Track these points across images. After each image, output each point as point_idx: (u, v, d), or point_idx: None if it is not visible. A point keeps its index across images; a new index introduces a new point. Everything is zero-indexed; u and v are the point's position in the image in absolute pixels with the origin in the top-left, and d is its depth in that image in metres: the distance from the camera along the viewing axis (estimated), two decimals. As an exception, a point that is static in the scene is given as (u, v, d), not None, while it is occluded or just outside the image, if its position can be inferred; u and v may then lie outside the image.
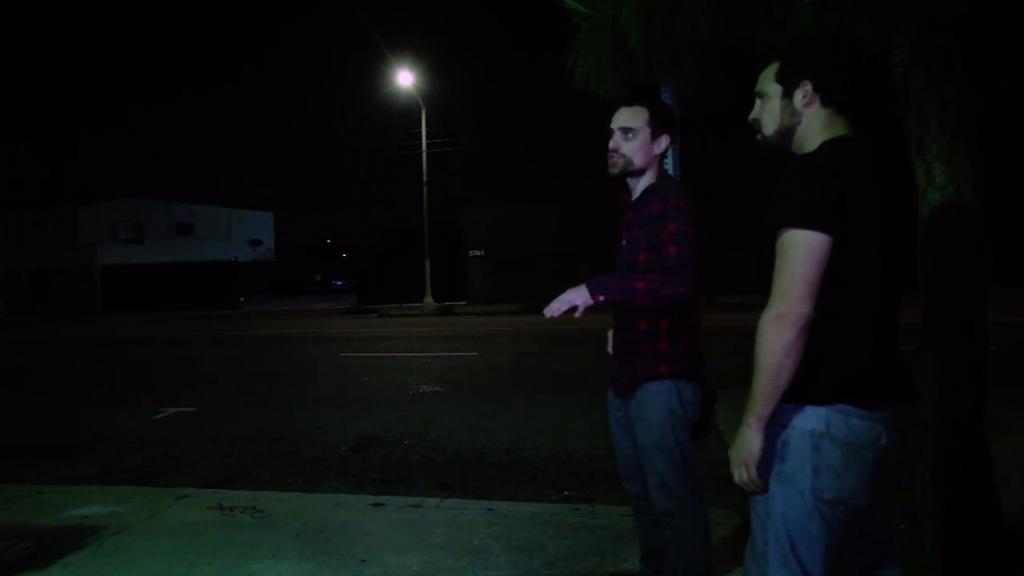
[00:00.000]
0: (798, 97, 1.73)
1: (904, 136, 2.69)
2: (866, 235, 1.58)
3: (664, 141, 2.46)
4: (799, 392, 1.58)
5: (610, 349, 2.58)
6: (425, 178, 27.10)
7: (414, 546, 3.44)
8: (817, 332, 1.56)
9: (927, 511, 2.67)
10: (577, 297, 2.23)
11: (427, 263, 26.12)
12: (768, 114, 1.79)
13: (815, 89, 1.70)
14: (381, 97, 30.64)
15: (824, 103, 1.71)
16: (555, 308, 2.27)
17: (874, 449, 1.57)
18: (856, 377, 1.59)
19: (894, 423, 1.59)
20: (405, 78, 26.22)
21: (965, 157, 2.57)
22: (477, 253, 30.21)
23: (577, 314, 2.24)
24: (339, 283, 52.51)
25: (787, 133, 1.76)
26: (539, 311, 2.45)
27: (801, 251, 1.54)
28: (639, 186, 2.47)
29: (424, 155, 27.11)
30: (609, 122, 2.48)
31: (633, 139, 2.42)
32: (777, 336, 1.55)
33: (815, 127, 1.72)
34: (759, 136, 1.83)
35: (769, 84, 1.78)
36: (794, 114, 1.74)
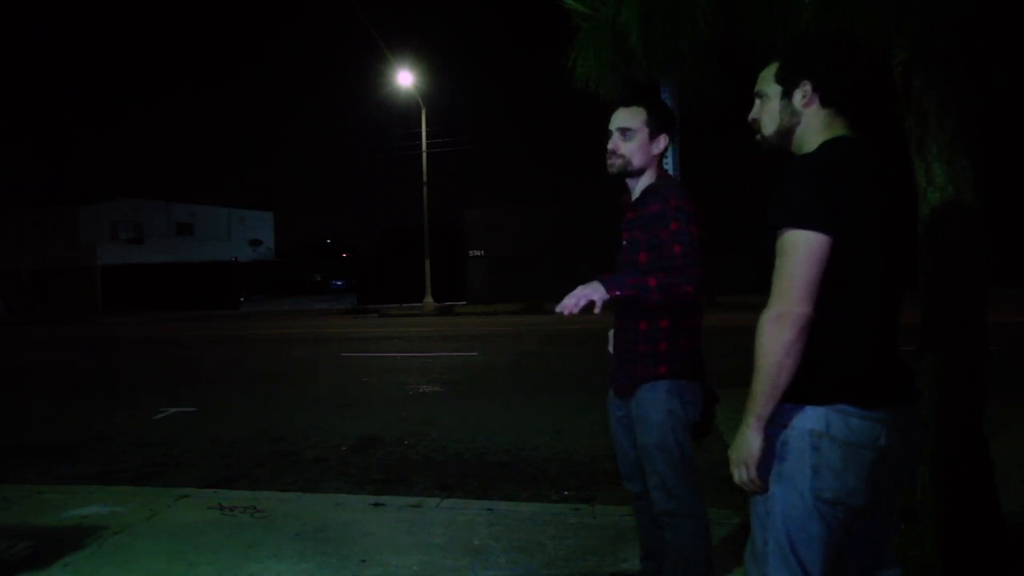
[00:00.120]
0: (797, 97, 1.73)
1: (904, 136, 2.69)
2: (866, 235, 1.58)
3: (662, 141, 2.46)
4: (799, 392, 1.58)
5: (611, 349, 2.58)
6: (425, 178, 27.11)
7: (414, 546, 3.44)
8: (817, 332, 1.56)
9: (927, 511, 2.67)
10: (594, 292, 2.19)
11: (427, 263, 26.12)
12: (767, 114, 1.79)
13: (814, 89, 1.70)
14: (381, 97, 30.70)
15: (824, 103, 1.71)
16: (570, 305, 2.20)
17: (873, 449, 1.57)
18: (856, 377, 1.59)
19: (894, 423, 1.59)
20: (405, 78, 26.23)
21: (965, 157, 2.57)
22: (477, 253, 30.21)
23: (596, 310, 2.19)
24: (339, 283, 52.51)
25: (786, 133, 1.76)
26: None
27: (801, 251, 1.54)
28: (639, 186, 2.47)
29: (424, 155, 27.12)
30: (608, 122, 2.48)
31: (631, 139, 2.42)
32: (777, 336, 1.55)
33: (815, 127, 1.72)
34: (759, 136, 1.83)
35: (768, 84, 1.78)
36: (793, 114, 1.74)
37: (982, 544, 2.57)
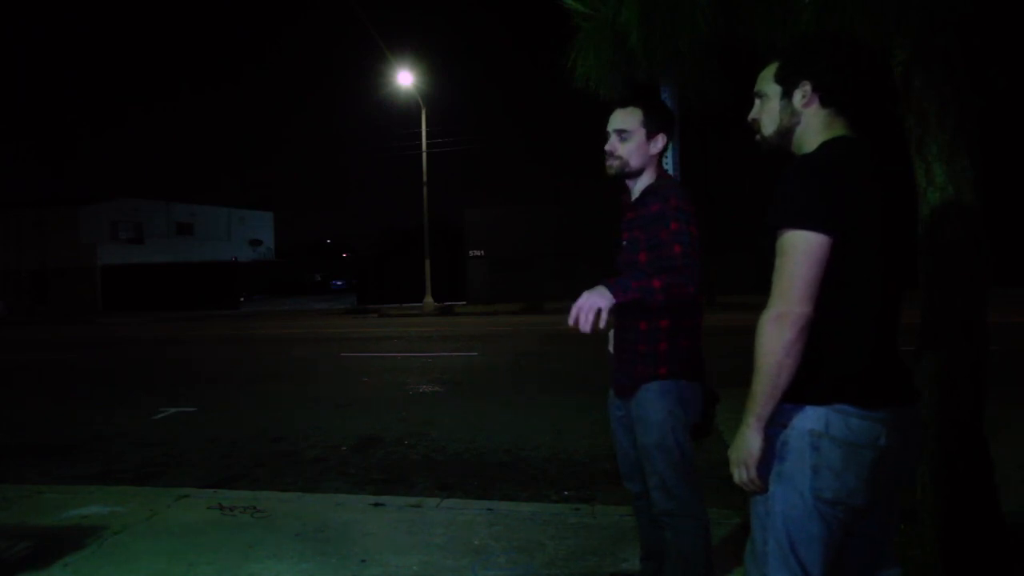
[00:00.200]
0: (797, 97, 1.73)
1: (904, 136, 2.69)
2: (866, 235, 1.58)
3: (660, 141, 2.45)
4: (799, 392, 1.58)
5: (611, 349, 2.58)
6: (425, 178, 27.11)
7: (414, 546, 3.44)
8: (817, 332, 1.56)
9: (927, 511, 2.67)
10: (601, 299, 2.10)
11: (427, 263, 26.12)
12: (767, 114, 1.79)
13: (814, 89, 1.70)
14: (381, 97, 30.69)
15: (823, 103, 1.71)
16: (583, 321, 2.07)
17: (873, 449, 1.57)
18: (856, 377, 1.59)
19: (894, 423, 1.59)
20: (405, 78, 26.23)
21: (965, 157, 2.57)
22: (477, 253, 30.21)
23: (602, 320, 2.09)
24: (339, 283, 52.50)
25: (786, 133, 1.76)
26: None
27: (801, 251, 1.54)
28: (638, 186, 2.47)
29: (424, 155, 27.12)
30: (607, 123, 2.48)
31: (628, 140, 2.42)
32: (777, 336, 1.55)
33: (814, 127, 1.72)
34: (758, 136, 1.83)
35: (768, 84, 1.78)
36: (793, 114, 1.74)
37: (982, 544, 2.57)
